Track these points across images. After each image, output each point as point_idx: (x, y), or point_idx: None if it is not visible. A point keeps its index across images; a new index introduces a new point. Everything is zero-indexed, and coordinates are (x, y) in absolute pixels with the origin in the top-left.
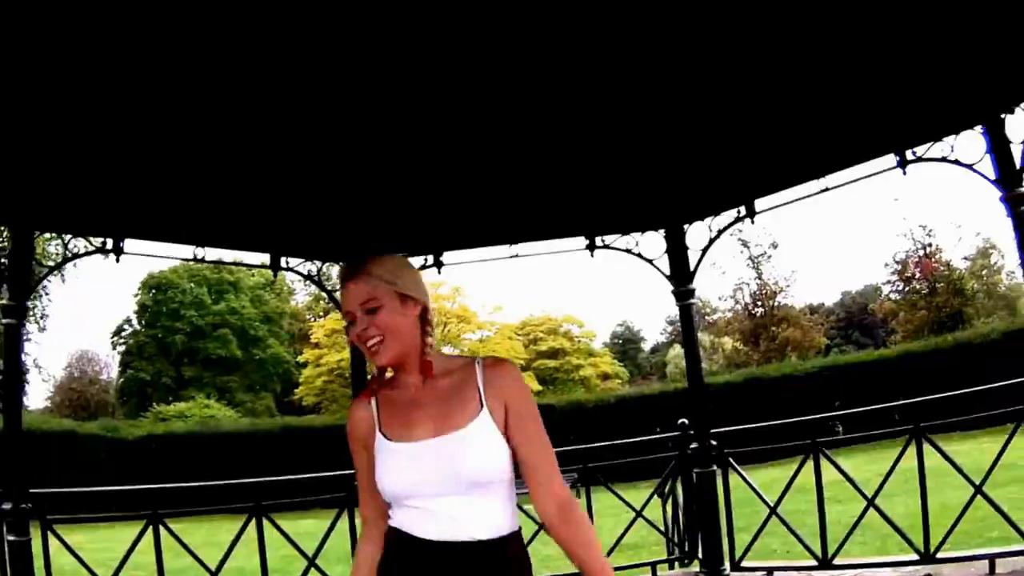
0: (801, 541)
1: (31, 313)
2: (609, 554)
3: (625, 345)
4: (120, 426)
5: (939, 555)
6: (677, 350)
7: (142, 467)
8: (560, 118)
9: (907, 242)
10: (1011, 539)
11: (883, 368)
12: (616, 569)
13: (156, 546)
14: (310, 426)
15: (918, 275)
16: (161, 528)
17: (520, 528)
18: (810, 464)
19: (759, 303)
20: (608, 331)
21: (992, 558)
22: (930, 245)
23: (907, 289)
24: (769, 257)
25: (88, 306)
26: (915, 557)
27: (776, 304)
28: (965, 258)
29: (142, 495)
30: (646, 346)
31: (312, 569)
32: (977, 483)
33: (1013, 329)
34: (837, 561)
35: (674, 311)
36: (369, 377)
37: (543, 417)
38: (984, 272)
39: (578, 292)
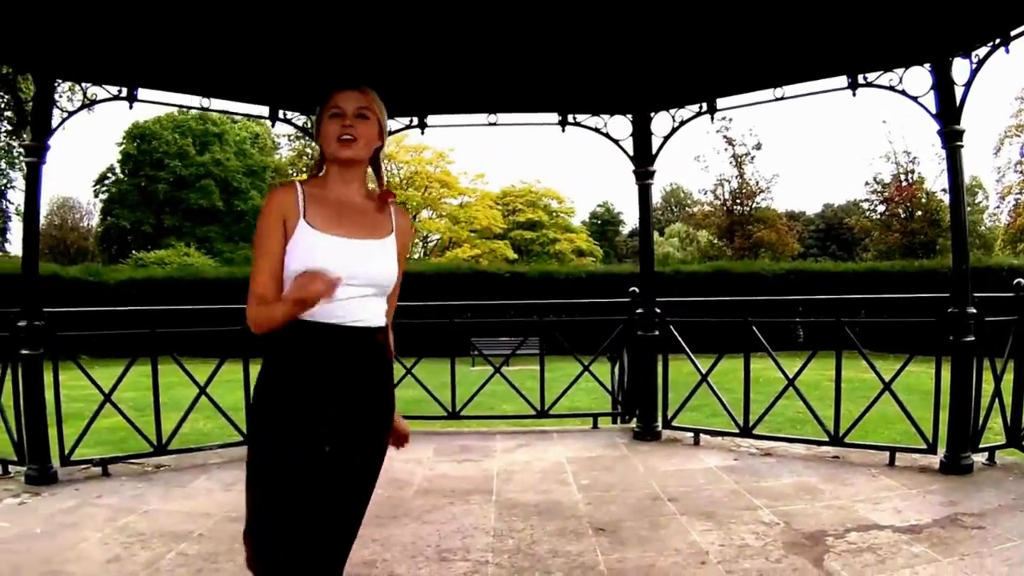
0: (727, 410)
1: (16, 162)
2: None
3: (604, 226)
4: (102, 270)
5: (846, 440)
6: (656, 237)
7: (124, 311)
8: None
9: (890, 166)
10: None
11: (849, 281)
12: (561, 416)
13: (154, 379)
14: None
15: (897, 199)
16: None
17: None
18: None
19: (739, 201)
20: (588, 211)
21: (893, 451)
22: (912, 172)
23: (885, 211)
24: (753, 158)
25: (69, 155)
26: (826, 439)
27: (755, 205)
28: (946, 190)
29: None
30: (625, 229)
31: None
32: (887, 380)
33: (979, 266)
34: (757, 432)
35: (658, 200)
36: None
37: (516, 282)
38: (968, 209)
39: (561, 171)
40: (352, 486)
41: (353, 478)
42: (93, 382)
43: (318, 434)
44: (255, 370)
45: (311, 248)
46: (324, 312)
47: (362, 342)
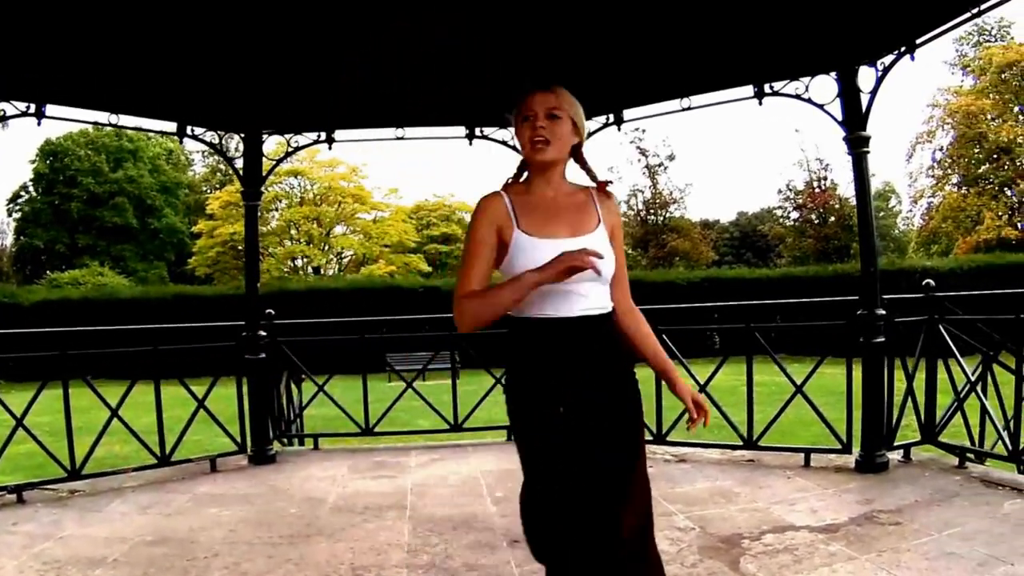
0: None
1: None
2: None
3: None
4: (16, 291)
5: (761, 443)
6: None
7: (38, 333)
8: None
9: (803, 173)
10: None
11: (763, 287)
12: (477, 429)
13: (65, 403)
14: (202, 295)
15: (810, 205)
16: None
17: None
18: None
19: (652, 211)
20: None
21: (808, 452)
22: (825, 178)
23: (799, 217)
24: (666, 168)
25: None
26: (740, 443)
27: (669, 214)
28: None
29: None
30: None
31: (201, 410)
32: (799, 383)
33: (892, 269)
34: (671, 438)
35: None
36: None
37: (431, 296)
38: (881, 214)
39: (473, 185)
40: (608, 454)
41: (607, 444)
42: (5, 407)
43: (556, 409)
44: (167, 391)
45: (529, 254)
46: (552, 307)
47: (590, 329)
